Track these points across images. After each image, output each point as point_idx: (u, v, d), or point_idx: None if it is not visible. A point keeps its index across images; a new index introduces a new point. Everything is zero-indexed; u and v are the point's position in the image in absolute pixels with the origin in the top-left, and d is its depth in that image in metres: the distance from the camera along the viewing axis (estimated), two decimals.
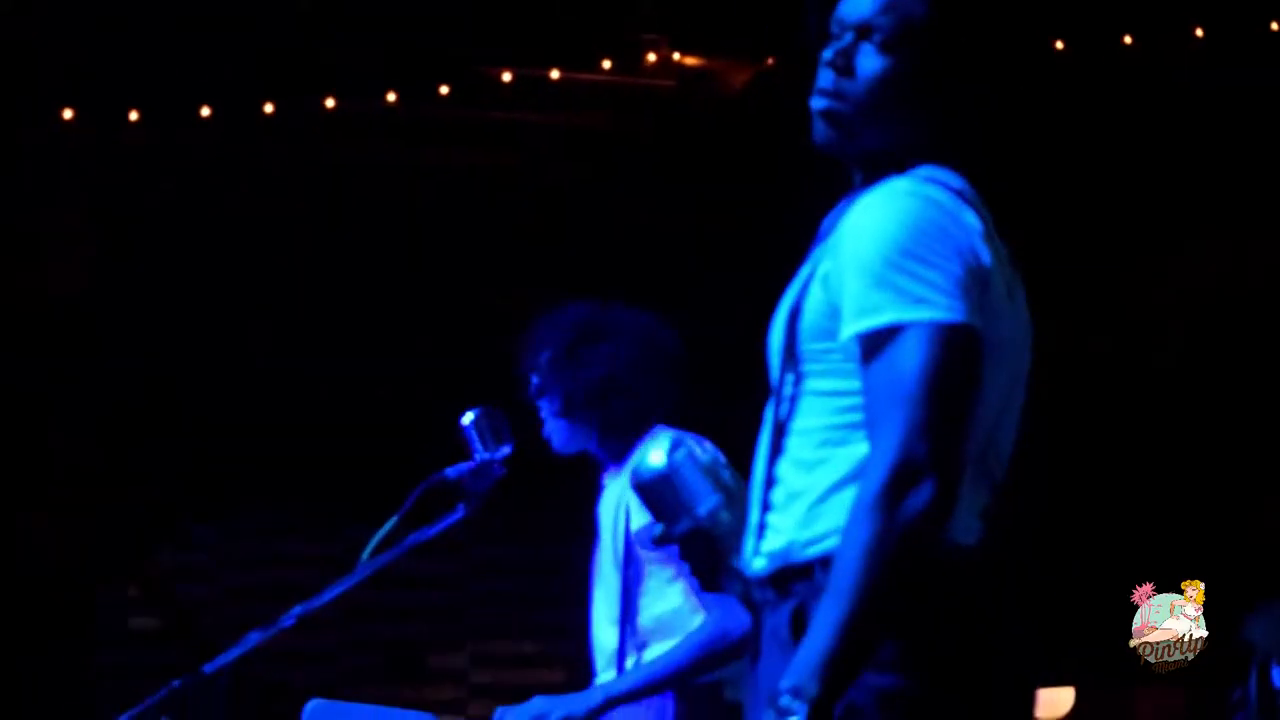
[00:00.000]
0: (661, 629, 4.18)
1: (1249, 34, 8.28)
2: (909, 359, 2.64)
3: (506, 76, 8.50)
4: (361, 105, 8.49)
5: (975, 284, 2.70)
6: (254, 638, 3.88)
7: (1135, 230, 8.79)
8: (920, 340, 2.64)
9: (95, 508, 8.91)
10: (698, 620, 4.12)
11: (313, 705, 4.04)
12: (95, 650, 9.11)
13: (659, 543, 2.92)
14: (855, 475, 2.71)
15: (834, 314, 2.74)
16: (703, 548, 2.89)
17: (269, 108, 8.38)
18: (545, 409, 4.39)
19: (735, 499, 2.91)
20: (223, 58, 8.30)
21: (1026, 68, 7.98)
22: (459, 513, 4.04)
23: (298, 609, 3.90)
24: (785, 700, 2.54)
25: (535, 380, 4.39)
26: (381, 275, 9.07)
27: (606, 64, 8.58)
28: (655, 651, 4.16)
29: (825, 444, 2.76)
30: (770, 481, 2.81)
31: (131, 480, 8.95)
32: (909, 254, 2.68)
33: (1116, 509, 9.01)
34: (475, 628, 9.69)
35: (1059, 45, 8.39)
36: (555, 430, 4.38)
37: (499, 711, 4.19)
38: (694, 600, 4.13)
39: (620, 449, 4.31)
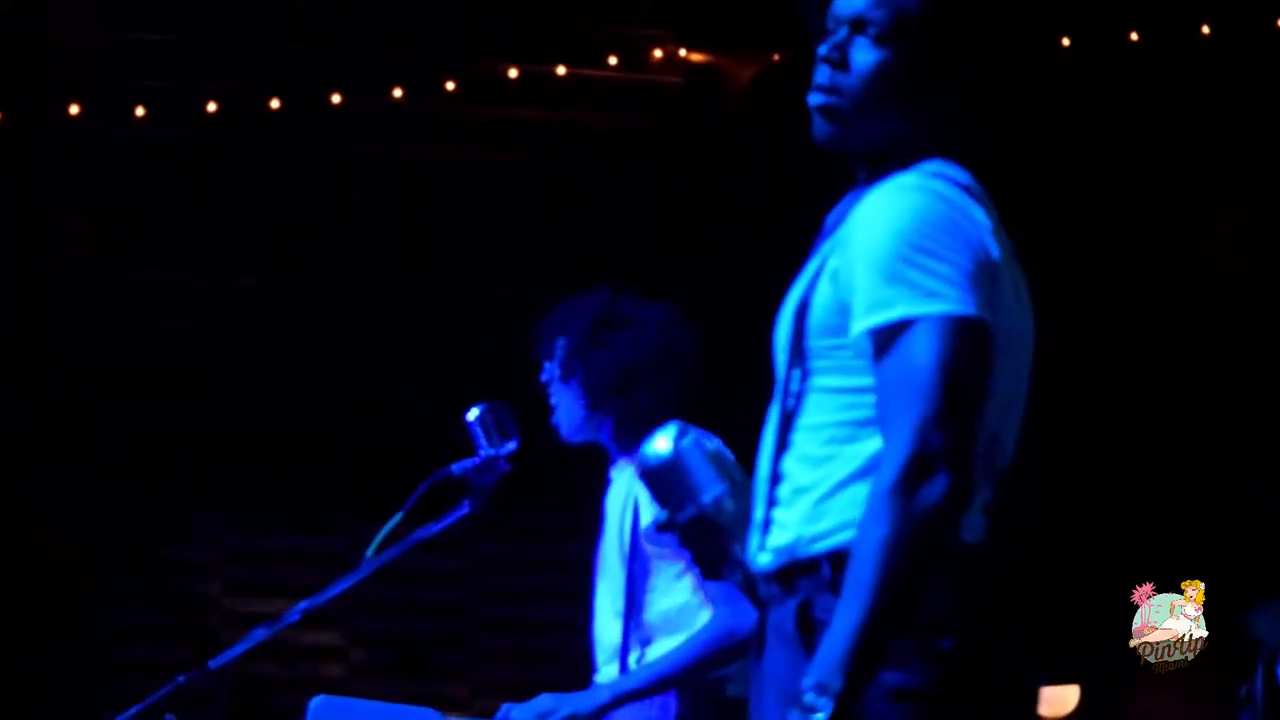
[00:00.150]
0: (667, 624, 4.17)
1: (1256, 31, 8.28)
2: (922, 352, 2.64)
3: (512, 73, 8.49)
4: (367, 102, 8.48)
5: (985, 278, 2.70)
6: (259, 633, 3.89)
7: (1137, 229, 8.78)
8: (933, 333, 2.65)
9: (98, 503, 8.91)
10: (704, 616, 4.11)
11: (318, 701, 4.04)
12: (97, 647, 9.11)
13: (663, 529, 2.92)
14: (863, 471, 2.71)
15: (842, 310, 2.74)
16: (705, 536, 2.89)
17: (275, 104, 8.38)
18: (557, 397, 4.35)
19: (740, 489, 2.91)
20: (230, 54, 8.31)
21: (1033, 64, 7.97)
22: (464, 508, 4.04)
23: (303, 604, 3.91)
24: (810, 697, 2.54)
25: (550, 368, 4.36)
26: (385, 271, 9.07)
27: (613, 60, 8.58)
28: (660, 647, 4.15)
29: (832, 440, 2.76)
30: (776, 477, 2.81)
31: (136, 475, 8.95)
32: (919, 248, 2.68)
33: (1117, 506, 9.01)
34: (480, 624, 9.69)
35: (1065, 42, 8.39)
36: (566, 418, 4.34)
37: (504, 708, 4.19)
38: (701, 596, 4.12)
39: (631, 441, 4.25)
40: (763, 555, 2.80)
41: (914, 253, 2.68)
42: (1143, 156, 8.52)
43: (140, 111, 8.30)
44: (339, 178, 8.88)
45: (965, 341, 2.65)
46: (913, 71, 2.81)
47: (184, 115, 8.36)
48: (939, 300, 2.66)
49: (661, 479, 2.90)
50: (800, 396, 2.80)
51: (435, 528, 3.98)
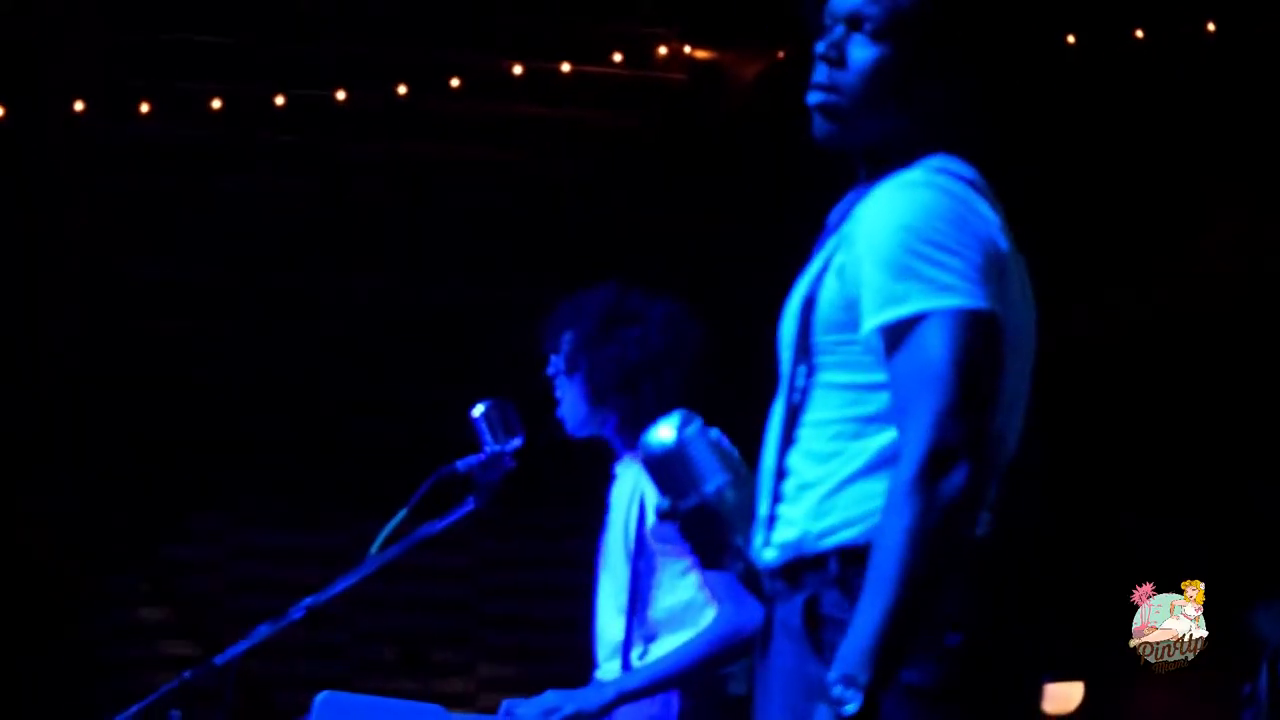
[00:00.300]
0: (672, 621, 4.17)
1: (1260, 28, 8.27)
2: (936, 345, 2.65)
3: (516, 70, 8.49)
4: (372, 97, 8.48)
5: (995, 271, 2.71)
6: (263, 630, 3.89)
7: (1137, 228, 8.77)
8: (946, 326, 2.65)
9: (98, 503, 8.91)
10: (709, 613, 4.10)
11: (323, 697, 4.04)
12: (99, 645, 9.12)
13: (664, 517, 2.92)
14: (870, 467, 2.72)
15: (849, 306, 2.74)
16: (706, 525, 2.89)
17: (280, 100, 8.38)
18: (563, 390, 4.35)
19: (741, 480, 2.91)
20: (233, 51, 8.30)
21: (1038, 61, 7.97)
22: (469, 505, 4.04)
23: (307, 601, 3.91)
24: (839, 690, 2.56)
25: (556, 361, 4.36)
26: (388, 268, 9.06)
27: (617, 57, 8.58)
28: (664, 644, 4.15)
29: (839, 436, 2.76)
30: (781, 473, 2.81)
31: (136, 475, 8.95)
32: (930, 242, 2.69)
33: (1117, 506, 9.01)
34: (485, 620, 9.69)
35: (1071, 40, 8.38)
36: (572, 412, 4.33)
37: (506, 704, 4.19)
38: (706, 593, 4.12)
39: (636, 437, 4.23)
40: (768, 551, 2.80)
41: (926, 246, 2.68)
42: (1144, 155, 8.51)
43: (145, 108, 8.30)
44: (341, 176, 8.87)
45: (978, 335, 2.66)
46: (910, 68, 2.81)
47: (187, 113, 8.36)
48: (952, 294, 2.67)
49: (665, 467, 2.91)
50: (806, 392, 2.80)
51: (440, 524, 3.98)
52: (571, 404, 4.33)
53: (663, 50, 8.61)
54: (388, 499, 3.98)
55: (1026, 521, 2.77)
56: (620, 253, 8.00)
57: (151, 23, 8.12)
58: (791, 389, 2.82)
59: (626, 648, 4.19)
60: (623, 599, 4.21)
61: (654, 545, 4.17)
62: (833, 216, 2.91)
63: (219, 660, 3.84)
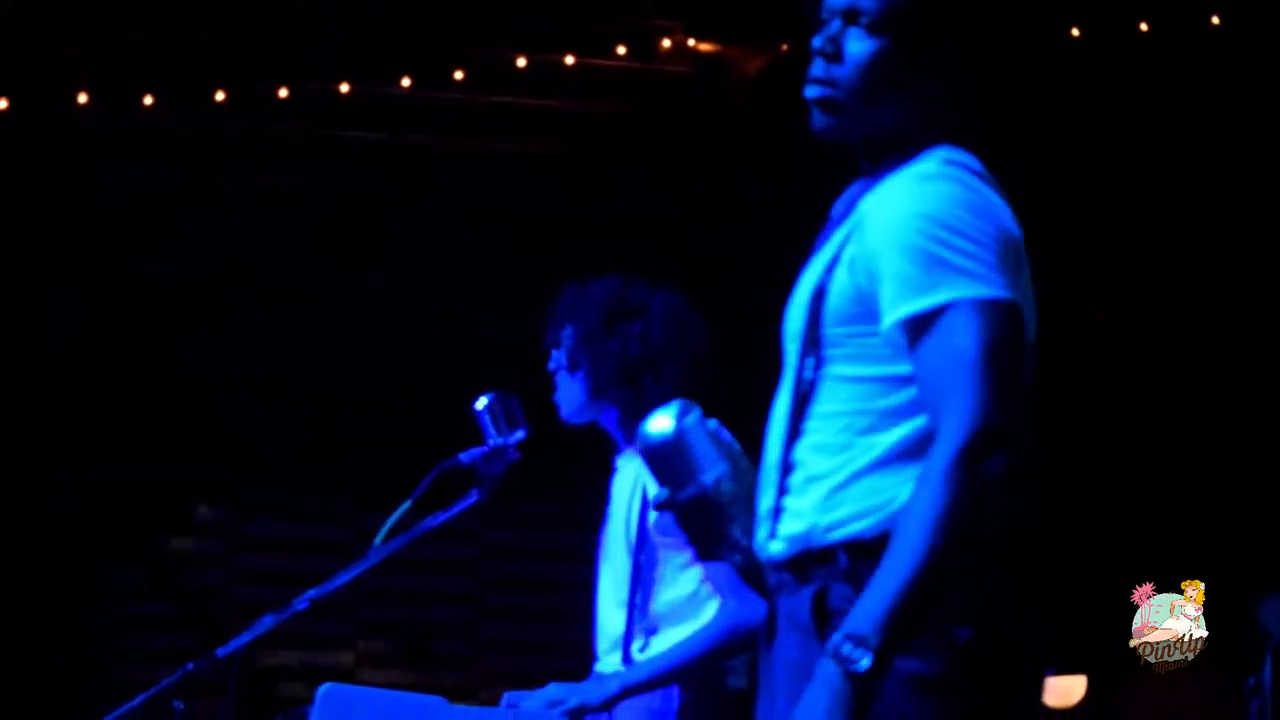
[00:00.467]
0: (673, 615, 4.17)
1: (1265, 21, 8.26)
2: (966, 333, 2.65)
3: (521, 62, 8.49)
4: (376, 90, 8.48)
5: (1015, 261, 2.72)
6: (267, 622, 3.89)
7: (1138, 226, 8.77)
8: (974, 315, 2.65)
9: (98, 503, 8.91)
10: (711, 607, 4.10)
11: (325, 689, 4.04)
12: (102, 638, 9.12)
13: (662, 508, 2.92)
14: (882, 461, 2.71)
15: (861, 298, 2.74)
16: (704, 515, 2.89)
17: (283, 93, 8.38)
18: (562, 381, 4.35)
19: (740, 471, 2.91)
20: (237, 43, 8.30)
21: (1038, 54, 7.96)
22: (472, 498, 4.04)
23: (310, 593, 3.90)
24: (848, 648, 2.55)
25: (557, 355, 4.36)
26: (393, 260, 9.07)
27: (621, 50, 8.57)
28: (666, 637, 4.14)
29: (850, 429, 2.75)
30: (787, 465, 2.80)
31: (141, 465, 8.95)
32: (956, 232, 2.69)
33: (1117, 506, 9.01)
34: (489, 612, 9.70)
35: (1075, 33, 8.37)
36: (567, 400, 4.34)
37: (507, 696, 4.19)
38: (708, 586, 4.12)
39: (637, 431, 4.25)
40: (774, 543, 2.80)
41: (952, 235, 2.68)
42: (1147, 149, 8.50)
43: (147, 102, 8.30)
44: (348, 166, 8.87)
45: (1004, 323, 2.67)
46: (907, 60, 2.81)
47: (189, 108, 8.36)
48: (981, 283, 2.67)
49: (663, 457, 2.90)
50: (814, 385, 2.79)
51: (443, 517, 3.98)
52: (568, 393, 4.33)
53: (666, 43, 8.61)
54: (391, 492, 3.98)
55: (1027, 521, 2.77)
56: (623, 245, 8.00)
57: (153, 18, 8.11)
58: (799, 381, 2.81)
59: (627, 641, 4.19)
60: (624, 592, 4.21)
61: (655, 538, 4.16)
62: (836, 209, 2.90)
63: (222, 652, 3.85)
